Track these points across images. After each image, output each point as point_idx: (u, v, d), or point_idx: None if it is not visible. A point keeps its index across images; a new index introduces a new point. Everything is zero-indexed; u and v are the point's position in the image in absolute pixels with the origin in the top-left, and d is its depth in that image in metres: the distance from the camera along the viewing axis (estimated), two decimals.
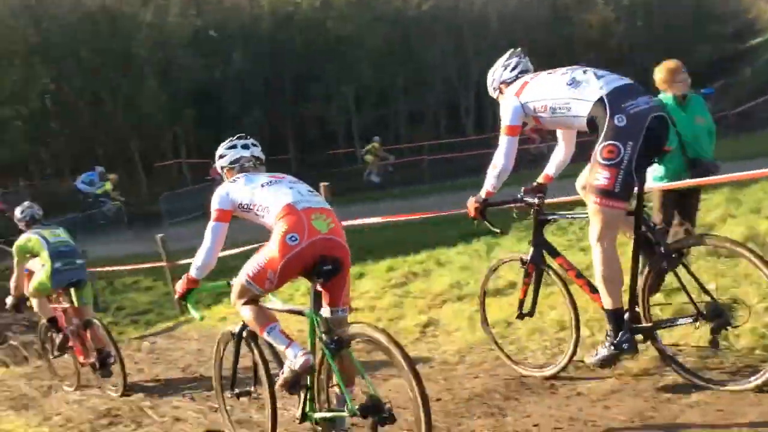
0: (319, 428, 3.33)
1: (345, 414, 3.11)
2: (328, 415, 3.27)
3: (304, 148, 26.95)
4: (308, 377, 3.25)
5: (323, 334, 3.13)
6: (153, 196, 20.46)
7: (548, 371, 3.99)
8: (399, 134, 27.28)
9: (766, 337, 3.56)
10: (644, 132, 3.12)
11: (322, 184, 6.66)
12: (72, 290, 6.03)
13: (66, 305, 6.13)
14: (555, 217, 4.14)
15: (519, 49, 3.87)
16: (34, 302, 6.24)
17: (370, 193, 19.15)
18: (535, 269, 3.95)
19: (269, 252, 3.16)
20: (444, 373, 4.67)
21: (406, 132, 27.42)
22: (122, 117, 23.64)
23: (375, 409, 2.93)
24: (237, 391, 3.75)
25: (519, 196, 3.88)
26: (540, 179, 3.94)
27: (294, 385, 3.25)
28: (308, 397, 3.31)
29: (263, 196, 3.30)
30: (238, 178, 3.50)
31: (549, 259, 3.90)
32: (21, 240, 6.05)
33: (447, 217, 11.32)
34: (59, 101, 25.15)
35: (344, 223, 6.89)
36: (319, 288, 3.24)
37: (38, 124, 23.70)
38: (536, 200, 3.81)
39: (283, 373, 3.26)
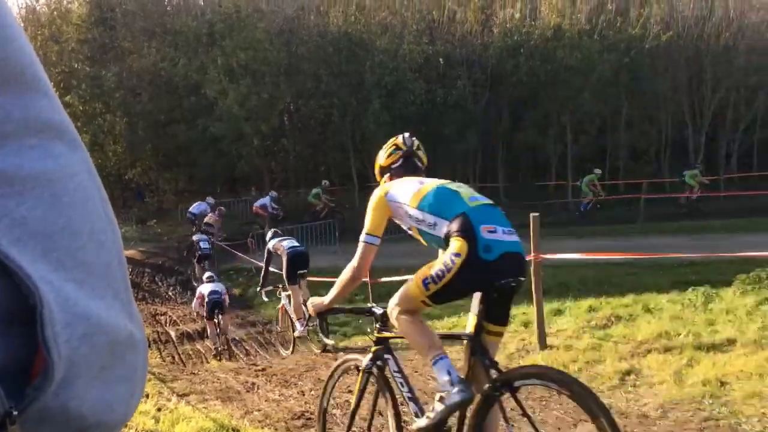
0: None
1: None
2: None
3: (515, 176, 26.74)
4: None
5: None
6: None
7: None
8: (617, 168, 25.90)
9: None
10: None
11: (531, 215, 6.55)
12: None
13: None
14: None
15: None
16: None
17: (574, 228, 18.43)
18: None
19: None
20: (642, 428, 4.40)
21: (625, 167, 25.95)
22: (347, 135, 25.31)
23: None
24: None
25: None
26: None
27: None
28: None
29: None
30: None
31: None
32: None
33: (659, 262, 10.53)
34: (294, 120, 27.71)
35: (547, 257, 6.75)
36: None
37: (273, 140, 26.08)
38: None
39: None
